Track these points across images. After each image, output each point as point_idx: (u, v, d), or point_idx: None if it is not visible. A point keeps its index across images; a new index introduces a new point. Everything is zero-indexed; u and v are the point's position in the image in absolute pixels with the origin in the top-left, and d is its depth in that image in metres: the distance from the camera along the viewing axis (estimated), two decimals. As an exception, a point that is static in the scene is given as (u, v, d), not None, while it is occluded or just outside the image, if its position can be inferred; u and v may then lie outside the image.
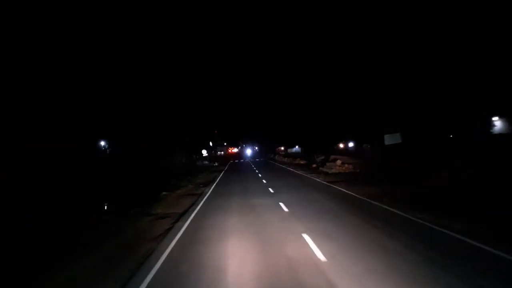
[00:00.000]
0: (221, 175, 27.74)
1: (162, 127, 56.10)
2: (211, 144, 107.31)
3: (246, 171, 31.29)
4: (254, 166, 37.60)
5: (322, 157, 36.40)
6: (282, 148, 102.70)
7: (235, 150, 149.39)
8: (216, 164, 49.07)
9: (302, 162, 43.63)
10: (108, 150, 47.04)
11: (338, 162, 24.41)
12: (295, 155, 63.96)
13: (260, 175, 24.78)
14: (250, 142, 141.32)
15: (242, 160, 58.46)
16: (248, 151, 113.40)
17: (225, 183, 20.98)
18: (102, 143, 45.27)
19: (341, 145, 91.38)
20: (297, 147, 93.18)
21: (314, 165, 32.13)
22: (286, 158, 51.00)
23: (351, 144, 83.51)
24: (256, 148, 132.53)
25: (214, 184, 20.82)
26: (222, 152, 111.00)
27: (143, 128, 51.68)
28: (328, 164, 25.65)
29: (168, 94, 55.44)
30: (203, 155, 49.76)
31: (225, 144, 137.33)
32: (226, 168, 38.81)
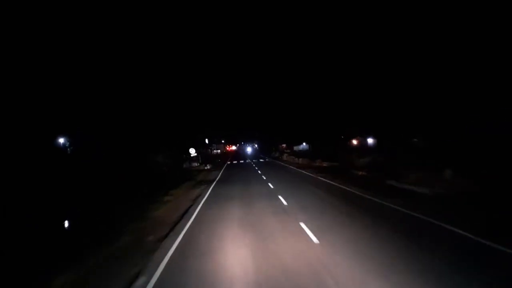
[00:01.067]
0: (206, 197, 15.17)
1: (138, 122, 44.60)
2: (206, 141, 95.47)
3: (252, 185, 18.31)
4: (263, 173, 25.06)
5: (364, 160, 24.17)
6: (284, 145, 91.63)
7: (234, 148, 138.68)
8: (208, 167, 36.78)
9: (324, 164, 31.65)
10: (69, 149, 36.03)
11: (448, 173, 12.02)
12: (304, 153, 52.14)
13: (284, 203, 12.11)
14: (250, 139, 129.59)
15: (242, 161, 46.13)
16: (248, 149, 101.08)
17: (205, 241, 8.51)
18: (61, 140, 34.38)
19: (354, 142, 79.91)
20: (304, 144, 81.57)
21: (360, 173, 19.91)
22: (299, 159, 38.69)
23: (370, 140, 71.66)
24: (256, 145, 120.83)
25: (180, 237, 8.41)
26: (219, 151, 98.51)
27: (113, 123, 40.65)
28: (414, 175, 13.30)
29: (148, 86, 44.18)
30: (191, 155, 37.50)
31: (222, 141, 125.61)
32: (220, 175, 26.34)
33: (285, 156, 48.11)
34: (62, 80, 32.63)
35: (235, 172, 27.87)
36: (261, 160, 47.26)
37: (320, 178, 19.27)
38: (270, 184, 17.36)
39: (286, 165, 34.58)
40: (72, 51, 31.74)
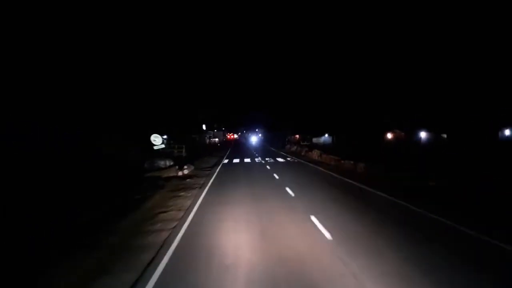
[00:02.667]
0: None
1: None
2: (204, 127, 77.97)
3: None
4: (335, 235, 7.30)
5: None
6: (298, 136, 75.62)
7: (235, 136, 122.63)
8: (186, 171, 19.09)
9: (432, 183, 13.81)
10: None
11: None
12: (330, 148, 35.21)
13: None
14: (253, 128, 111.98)
15: (248, 160, 28.16)
16: (253, 139, 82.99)
17: None
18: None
19: (389, 135, 62.55)
20: (326, 135, 64.55)
21: None
22: (358, 164, 20.61)
23: (423, 134, 53.63)
24: (260, 135, 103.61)
25: None
26: (217, 139, 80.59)
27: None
28: None
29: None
30: (155, 146, 19.59)
31: (223, 129, 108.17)
32: (186, 228, 8.44)
33: (315, 153, 30.26)
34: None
35: (237, 205, 10.08)
36: (279, 159, 29.22)
37: None
38: None
39: (341, 177, 16.51)
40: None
